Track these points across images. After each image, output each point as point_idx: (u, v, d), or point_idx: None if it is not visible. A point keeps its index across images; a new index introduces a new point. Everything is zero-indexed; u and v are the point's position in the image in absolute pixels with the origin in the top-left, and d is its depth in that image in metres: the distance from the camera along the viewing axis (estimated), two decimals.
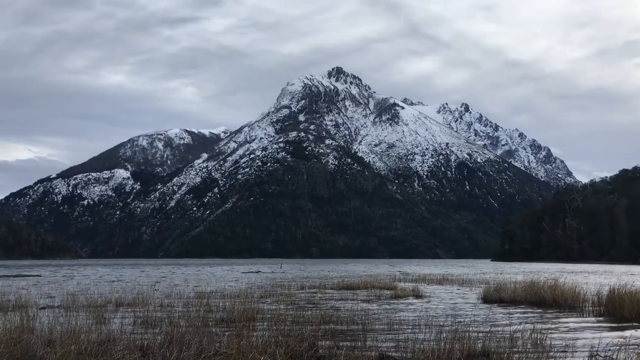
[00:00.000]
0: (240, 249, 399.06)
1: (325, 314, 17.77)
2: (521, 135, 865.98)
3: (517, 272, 64.34)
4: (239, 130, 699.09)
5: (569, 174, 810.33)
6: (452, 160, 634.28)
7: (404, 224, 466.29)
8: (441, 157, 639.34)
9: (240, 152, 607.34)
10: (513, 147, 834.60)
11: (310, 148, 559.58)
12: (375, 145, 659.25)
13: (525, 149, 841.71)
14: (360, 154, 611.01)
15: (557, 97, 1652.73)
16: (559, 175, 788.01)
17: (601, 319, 18.79)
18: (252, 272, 70.85)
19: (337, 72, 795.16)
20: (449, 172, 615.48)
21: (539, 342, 13.11)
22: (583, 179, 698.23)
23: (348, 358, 11.13)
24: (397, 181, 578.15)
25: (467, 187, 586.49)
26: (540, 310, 21.28)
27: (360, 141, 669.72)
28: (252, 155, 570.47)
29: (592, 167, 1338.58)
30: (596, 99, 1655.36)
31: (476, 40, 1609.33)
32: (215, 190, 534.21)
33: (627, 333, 15.10)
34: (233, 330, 13.66)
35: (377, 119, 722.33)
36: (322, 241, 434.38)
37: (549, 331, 14.79)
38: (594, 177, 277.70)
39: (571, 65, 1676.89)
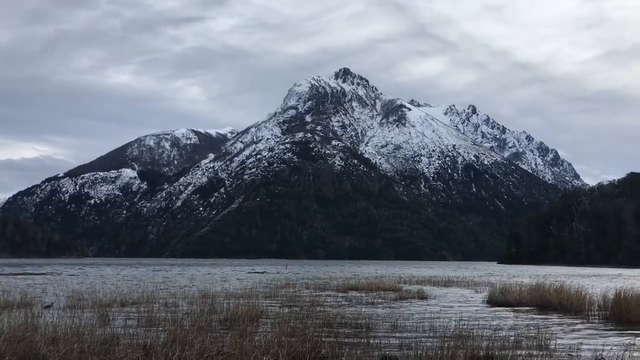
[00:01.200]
0: (245, 249, 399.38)
1: (329, 315, 17.75)
2: (529, 137, 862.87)
3: (523, 275, 64.10)
4: (246, 131, 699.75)
5: (577, 176, 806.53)
6: (459, 162, 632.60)
7: (410, 226, 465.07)
8: (448, 159, 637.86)
9: (246, 152, 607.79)
10: (520, 150, 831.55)
11: (316, 149, 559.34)
12: (382, 147, 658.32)
13: (532, 152, 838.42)
14: (366, 155, 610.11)
15: (565, 100, 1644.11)
16: (567, 178, 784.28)
17: (607, 322, 18.67)
18: (257, 272, 70.92)
19: (344, 73, 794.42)
20: (455, 174, 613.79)
21: (543, 345, 13.04)
22: (591, 182, 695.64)
23: (351, 359, 11.10)
24: (403, 183, 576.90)
25: (474, 189, 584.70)
26: (545, 314, 21.17)
27: (367, 142, 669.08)
28: (258, 156, 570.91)
29: (600, 171, 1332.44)
30: (604, 101, 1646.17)
31: (484, 41, 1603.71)
32: (222, 190, 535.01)
33: (633, 337, 15.00)
34: (236, 330, 13.66)
35: (384, 121, 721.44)
36: (327, 242, 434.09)
37: (554, 334, 14.71)
38: (601, 180, 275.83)
39: (579, 67, 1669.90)
